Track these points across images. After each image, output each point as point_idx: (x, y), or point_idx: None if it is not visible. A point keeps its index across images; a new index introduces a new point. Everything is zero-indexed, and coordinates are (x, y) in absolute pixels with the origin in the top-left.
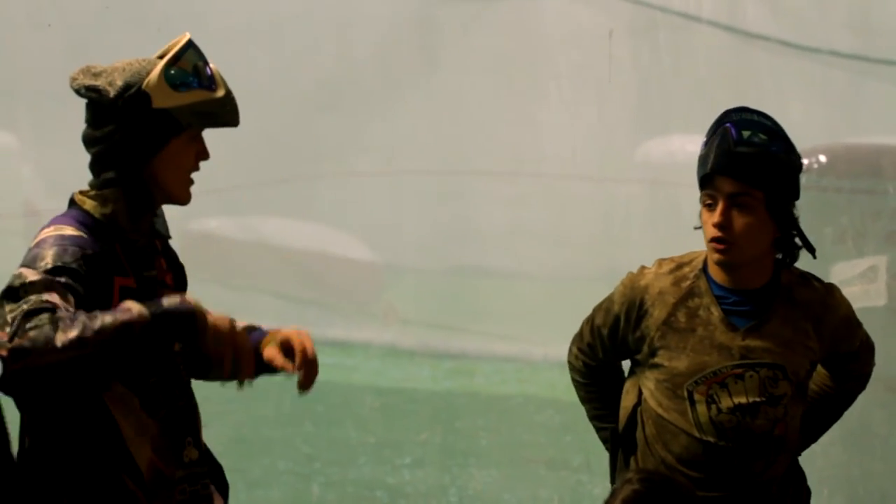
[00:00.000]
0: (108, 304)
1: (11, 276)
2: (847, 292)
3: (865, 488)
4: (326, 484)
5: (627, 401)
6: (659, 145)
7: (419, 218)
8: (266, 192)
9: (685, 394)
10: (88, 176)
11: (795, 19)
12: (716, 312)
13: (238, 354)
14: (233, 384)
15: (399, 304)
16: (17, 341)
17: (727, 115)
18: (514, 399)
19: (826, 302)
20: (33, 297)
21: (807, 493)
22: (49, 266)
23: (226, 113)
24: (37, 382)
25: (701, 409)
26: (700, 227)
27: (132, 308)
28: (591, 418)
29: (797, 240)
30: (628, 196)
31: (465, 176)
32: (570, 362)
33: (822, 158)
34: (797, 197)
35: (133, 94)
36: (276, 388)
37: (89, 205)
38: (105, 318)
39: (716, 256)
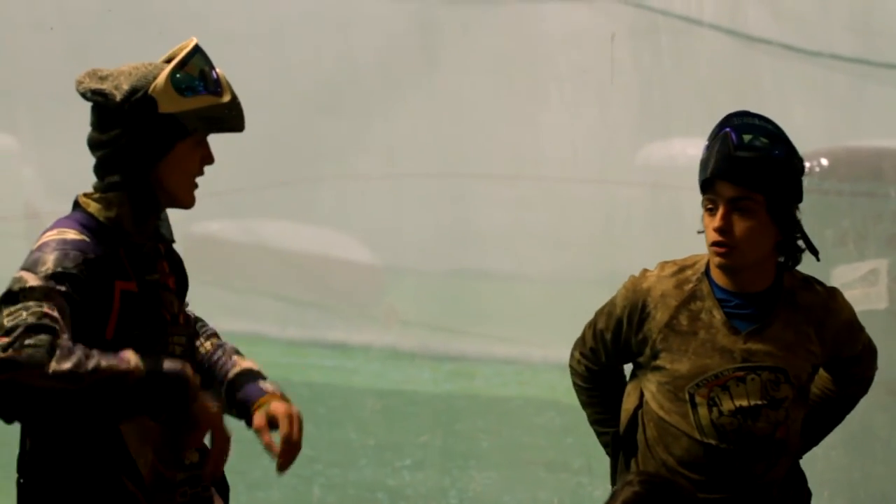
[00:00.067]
0: (109, 308)
1: (12, 280)
2: (848, 295)
3: (866, 491)
4: (327, 486)
5: (629, 403)
6: (660, 148)
7: (420, 220)
8: (267, 194)
9: (686, 396)
10: (89, 178)
11: (797, 23)
12: (718, 315)
13: (215, 439)
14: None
15: (400, 306)
16: (11, 352)
17: (728, 120)
18: (514, 401)
19: (828, 306)
20: (34, 306)
21: (808, 495)
22: (50, 271)
23: (232, 118)
24: (14, 399)
25: (702, 411)
26: (703, 231)
27: (130, 359)
28: (592, 422)
29: (800, 243)
30: (629, 199)
31: (466, 178)
32: (571, 367)
33: (824, 161)
34: (800, 200)
35: (139, 99)
36: None
37: (93, 207)
38: (101, 361)
39: (717, 260)
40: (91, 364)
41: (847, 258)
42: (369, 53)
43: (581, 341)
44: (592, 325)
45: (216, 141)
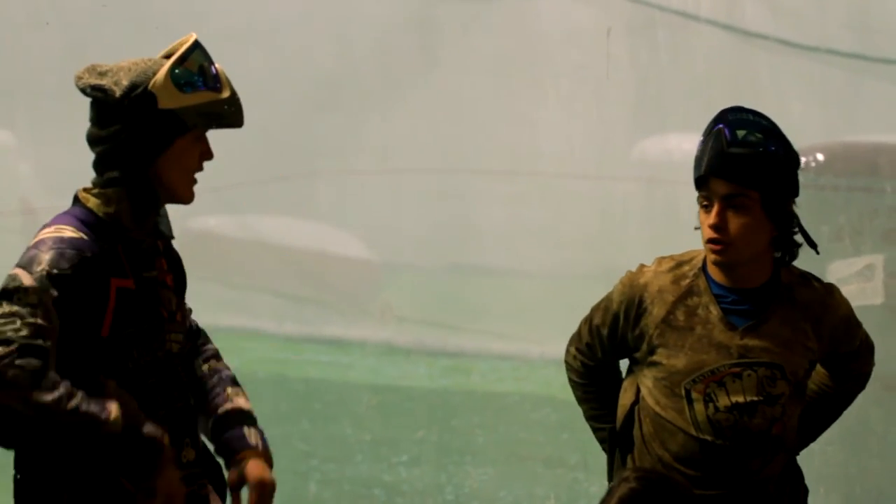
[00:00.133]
0: (105, 306)
1: (7, 277)
2: (844, 290)
3: (862, 486)
4: (323, 481)
5: (625, 399)
6: (656, 143)
7: (417, 216)
8: (265, 190)
9: (683, 392)
10: (86, 174)
11: (794, 18)
12: (714, 311)
13: None
14: None
15: (396, 302)
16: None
17: (722, 116)
18: (510, 397)
19: (826, 302)
20: (28, 315)
21: (804, 491)
22: (44, 272)
23: (231, 114)
24: None
25: (698, 407)
26: (699, 228)
27: (112, 411)
28: (588, 418)
29: (797, 237)
30: (626, 194)
31: (463, 174)
32: (567, 362)
33: (820, 157)
34: (796, 194)
35: (139, 95)
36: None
37: (93, 203)
38: (82, 404)
39: (713, 257)
40: (71, 404)
41: (843, 253)
42: (367, 50)
43: (577, 337)
44: (588, 320)
45: (214, 137)
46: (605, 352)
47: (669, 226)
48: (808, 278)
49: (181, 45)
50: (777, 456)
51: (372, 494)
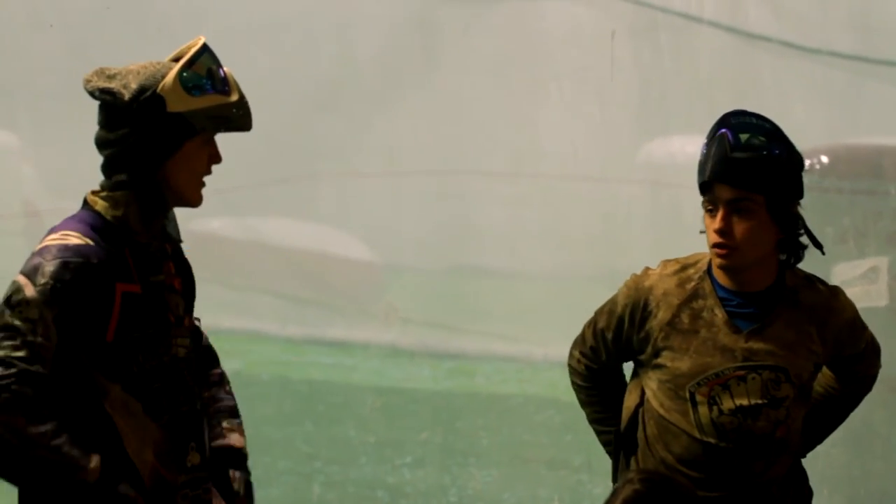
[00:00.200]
0: (110, 312)
1: (11, 284)
2: (848, 293)
3: (866, 488)
4: (327, 483)
5: (630, 401)
6: (660, 146)
7: (419, 218)
8: (266, 192)
9: (687, 395)
10: (89, 176)
11: (797, 20)
12: (720, 314)
13: None
14: (232, 385)
15: (399, 303)
16: None
17: (724, 120)
18: (514, 399)
19: (831, 305)
20: (29, 334)
21: (808, 493)
22: (48, 286)
23: (239, 117)
24: None
25: (703, 410)
26: (704, 232)
27: (92, 462)
28: (592, 422)
29: (802, 239)
30: (629, 196)
31: (466, 176)
32: (570, 366)
33: (824, 159)
34: (800, 196)
35: (148, 98)
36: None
37: (100, 206)
38: (65, 447)
39: (718, 261)
40: (55, 442)
41: (847, 256)
42: (368, 51)
43: (581, 340)
44: (592, 324)
45: (216, 138)
46: (609, 355)
47: (673, 228)
48: (812, 281)
49: (190, 48)
50: (781, 458)
51: (376, 496)
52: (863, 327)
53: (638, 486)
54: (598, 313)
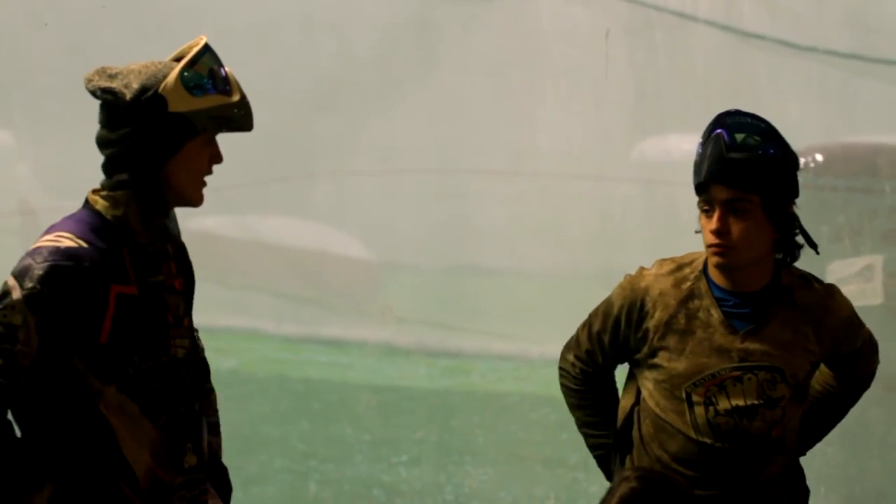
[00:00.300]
0: (103, 314)
1: (4, 283)
2: (843, 291)
3: (862, 487)
4: (323, 481)
5: (625, 400)
6: (655, 144)
7: (416, 216)
8: (264, 190)
9: (683, 395)
10: (85, 174)
11: (792, 18)
12: (716, 315)
13: None
14: (229, 383)
15: (396, 302)
16: None
17: (720, 120)
18: (510, 397)
19: (826, 305)
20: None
21: (805, 492)
22: (33, 291)
23: (240, 117)
24: None
25: (699, 410)
26: (700, 231)
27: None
28: (582, 426)
29: (798, 239)
30: (625, 195)
31: (463, 175)
32: (563, 369)
33: (819, 157)
34: (796, 195)
35: (149, 98)
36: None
37: (101, 205)
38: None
39: (715, 260)
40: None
41: (842, 254)
42: (366, 50)
43: (575, 344)
44: (587, 326)
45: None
46: (605, 357)
47: (669, 226)
48: (808, 280)
49: (191, 47)
50: (776, 458)
51: (371, 494)
52: (859, 325)
53: (634, 484)
54: (593, 316)
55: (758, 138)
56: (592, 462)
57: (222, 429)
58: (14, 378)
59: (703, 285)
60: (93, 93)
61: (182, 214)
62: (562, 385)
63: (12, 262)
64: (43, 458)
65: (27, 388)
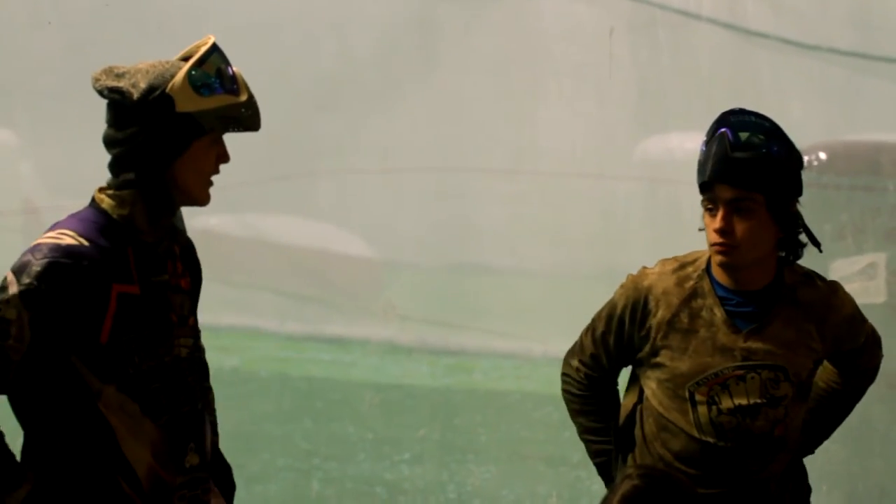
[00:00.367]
0: (104, 313)
1: (3, 278)
2: (847, 289)
3: (865, 484)
4: (325, 480)
5: (628, 399)
6: (658, 143)
7: (418, 215)
8: (266, 189)
9: (686, 394)
10: (87, 173)
11: (795, 16)
12: (719, 314)
13: None
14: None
15: (398, 300)
16: None
17: (724, 119)
18: (512, 395)
19: (830, 302)
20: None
21: (807, 489)
22: (31, 286)
23: (248, 117)
24: None
25: (702, 409)
26: (703, 229)
27: (22, 490)
28: (584, 432)
29: (801, 237)
30: (627, 193)
31: (465, 173)
32: (567, 374)
33: (822, 155)
34: (800, 194)
35: (157, 97)
36: (275, 385)
37: (107, 204)
38: None
39: (718, 258)
40: None
41: (845, 252)
42: (367, 49)
43: (579, 349)
44: (591, 330)
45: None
46: (610, 359)
47: (671, 225)
48: (811, 277)
49: (199, 47)
50: (779, 456)
51: (374, 493)
52: (862, 321)
53: (637, 482)
54: (596, 319)
55: (762, 137)
56: None
57: (224, 427)
58: (2, 373)
59: (706, 284)
60: (100, 92)
61: (184, 213)
62: (565, 392)
63: (15, 261)
64: (42, 456)
65: (26, 385)
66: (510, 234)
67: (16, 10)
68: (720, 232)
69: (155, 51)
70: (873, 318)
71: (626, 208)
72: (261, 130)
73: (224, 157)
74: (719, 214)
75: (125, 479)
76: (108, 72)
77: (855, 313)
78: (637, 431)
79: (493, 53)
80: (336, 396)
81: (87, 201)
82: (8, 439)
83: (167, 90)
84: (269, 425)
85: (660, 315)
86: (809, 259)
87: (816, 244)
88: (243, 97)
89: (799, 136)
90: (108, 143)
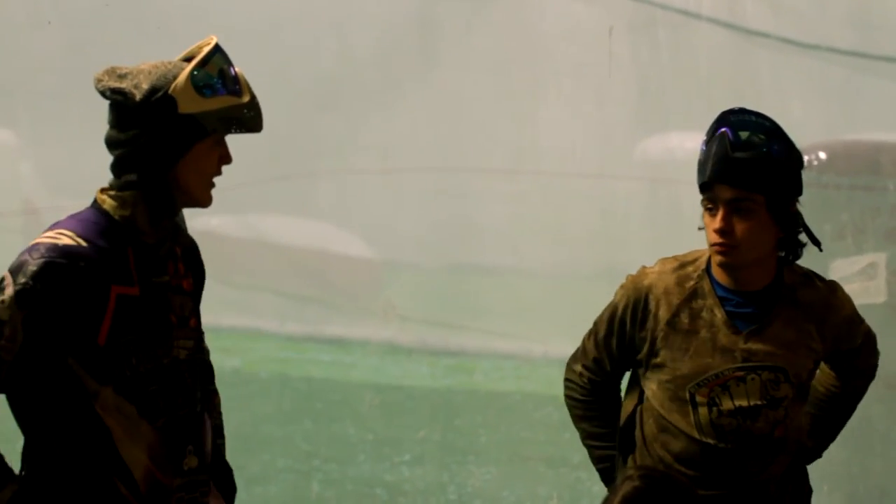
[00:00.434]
0: (102, 314)
1: (2, 278)
2: (846, 289)
3: (865, 485)
4: (325, 481)
5: (629, 401)
6: (658, 142)
7: (418, 215)
8: (266, 190)
9: (687, 395)
10: (87, 174)
11: (795, 16)
12: (719, 314)
13: None
14: (232, 382)
15: (398, 301)
16: None
17: (724, 118)
18: (512, 396)
19: (829, 302)
20: None
21: (808, 491)
22: (26, 286)
23: (250, 118)
24: None
25: (702, 411)
26: (703, 228)
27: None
28: (587, 437)
29: (801, 237)
30: (627, 193)
31: (465, 173)
32: (570, 380)
33: (822, 155)
34: (800, 193)
35: (159, 98)
36: (275, 386)
37: (108, 205)
38: None
39: (718, 258)
40: None
41: (845, 252)
42: (367, 49)
43: (582, 354)
44: (593, 335)
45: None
46: (613, 363)
47: (671, 225)
48: (811, 277)
49: (201, 47)
50: (779, 458)
51: (374, 494)
52: (860, 321)
53: (637, 483)
54: (598, 323)
55: (762, 136)
56: None
57: (225, 428)
58: (8, 359)
59: (706, 284)
60: (102, 93)
61: (185, 214)
62: (567, 397)
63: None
64: (39, 457)
65: (22, 386)
66: (510, 233)
67: (15, 10)
68: (720, 232)
69: (155, 51)
70: (873, 318)
71: (626, 208)
72: (262, 131)
73: (226, 159)
74: (719, 214)
75: (122, 480)
76: (111, 72)
77: (853, 314)
78: (637, 433)
79: (493, 53)
80: (336, 397)
81: (87, 202)
82: (7, 442)
83: (170, 91)
84: (269, 426)
85: (660, 315)
86: (809, 259)
87: (817, 244)
88: (246, 98)
89: (799, 136)
90: (110, 144)
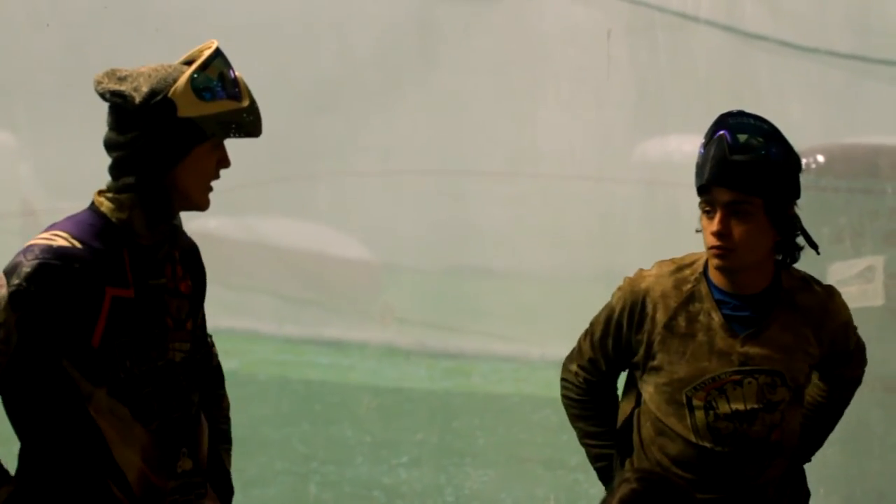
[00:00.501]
0: (96, 316)
1: None
2: (844, 292)
3: (862, 488)
4: (323, 483)
5: (626, 404)
6: (657, 145)
7: (417, 218)
8: (265, 191)
9: (684, 399)
10: (86, 175)
11: (793, 19)
12: (716, 318)
13: None
14: (230, 385)
15: (396, 303)
16: None
17: (722, 121)
18: (510, 398)
19: (827, 307)
20: None
21: (806, 494)
22: (19, 287)
23: (249, 123)
24: None
25: (699, 414)
26: (701, 231)
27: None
28: (584, 436)
29: (799, 240)
30: (626, 196)
31: (463, 176)
32: (566, 380)
33: (820, 158)
34: (797, 197)
35: (159, 102)
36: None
37: (106, 207)
38: None
39: (716, 262)
40: None
41: (843, 255)
42: (367, 50)
43: (577, 354)
44: (589, 335)
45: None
46: (609, 363)
47: (670, 227)
48: (808, 282)
49: (202, 51)
50: (776, 461)
51: (372, 496)
52: (854, 329)
53: (635, 486)
54: (594, 324)
55: (761, 139)
56: None
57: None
58: (2, 361)
59: (703, 287)
60: (102, 95)
61: (183, 216)
62: (564, 397)
63: None
64: (34, 459)
65: (16, 388)
66: (509, 236)
67: (14, 11)
68: (717, 235)
69: (154, 52)
70: (871, 322)
71: (624, 210)
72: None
73: (225, 163)
74: (717, 217)
75: (115, 483)
76: (111, 74)
77: (849, 320)
78: (634, 436)
79: (493, 55)
80: (334, 400)
81: (86, 203)
82: (5, 444)
83: (169, 95)
84: (266, 428)
85: (657, 318)
86: (807, 262)
87: (815, 247)
88: (245, 102)
89: (797, 139)
90: (109, 146)
